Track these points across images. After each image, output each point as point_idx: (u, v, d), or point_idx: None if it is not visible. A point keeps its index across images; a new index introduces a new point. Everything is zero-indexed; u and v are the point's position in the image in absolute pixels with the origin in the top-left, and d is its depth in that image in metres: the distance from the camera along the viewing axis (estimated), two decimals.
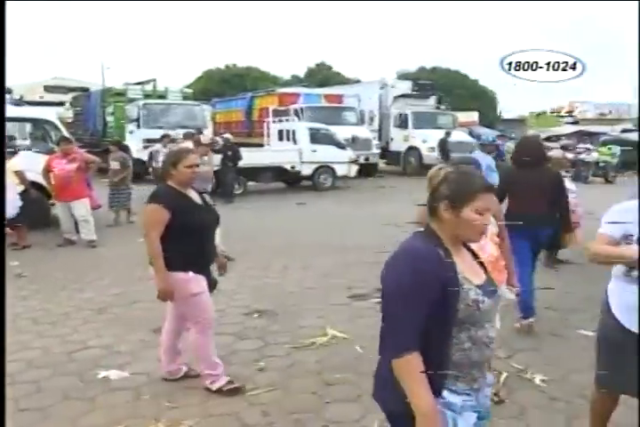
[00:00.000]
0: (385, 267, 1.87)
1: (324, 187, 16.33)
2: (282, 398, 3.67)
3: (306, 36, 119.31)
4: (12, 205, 7.76)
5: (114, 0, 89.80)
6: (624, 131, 27.14)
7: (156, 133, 15.21)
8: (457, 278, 1.78)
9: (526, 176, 4.71)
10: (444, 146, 18.84)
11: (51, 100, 26.40)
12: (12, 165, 8.04)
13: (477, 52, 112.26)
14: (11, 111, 9.59)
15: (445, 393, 1.82)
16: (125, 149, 11.96)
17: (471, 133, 24.75)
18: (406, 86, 23.10)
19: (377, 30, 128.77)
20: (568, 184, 7.13)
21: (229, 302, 5.63)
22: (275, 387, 3.82)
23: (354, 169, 16.87)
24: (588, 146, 20.99)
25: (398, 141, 21.82)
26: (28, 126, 11.40)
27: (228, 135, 15.05)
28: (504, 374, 3.92)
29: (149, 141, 15.69)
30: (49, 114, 11.44)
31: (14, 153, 8.87)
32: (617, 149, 20.11)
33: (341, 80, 40.32)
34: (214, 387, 3.70)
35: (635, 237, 2.52)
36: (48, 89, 29.61)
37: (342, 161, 16.46)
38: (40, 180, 8.69)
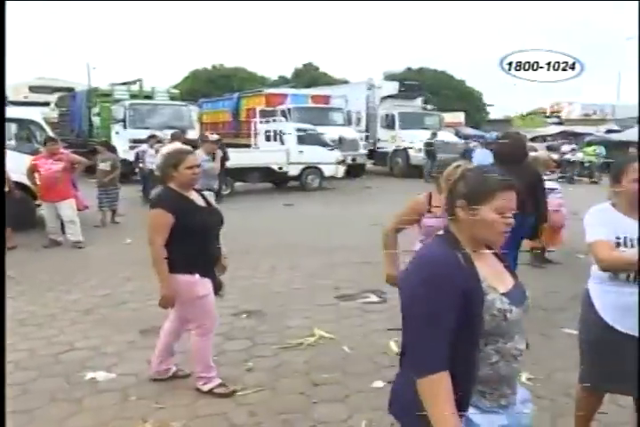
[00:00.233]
0: (401, 276, 1.77)
1: (311, 187, 16.34)
2: (270, 399, 3.68)
3: (293, 37, 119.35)
4: None
5: (100, 0, 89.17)
6: (608, 131, 27.40)
7: (143, 134, 15.16)
8: (479, 286, 1.65)
9: (509, 173, 4.78)
10: (430, 147, 18.92)
11: (36, 101, 26.16)
12: None
13: (464, 52, 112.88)
14: None
15: (470, 412, 1.69)
16: (113, 149, 11.90)
17: (457, 134, 24.93)
18: (393, 87, 23.16)
19: (364, 31, 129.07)
20: (553, 184, 7.23)
21: (218, 303, 5.52)
22: (263, 387, 3.83)
23: (341, 170, 16.89)
24: (573, 146, 21.19)
25: (385, 142, 21.90)
26: (13, 127, 11.28)
27: (215, 136, 15.03)
28: None
29: (136, 142, 15.62)
30: (34, 114, 11.34)
31: None
32: (602, 150, 20.33)
33: (328, 81, 40.38)
34: (206, 388, 3.70)
35: (634, 241, 2.55)
36: (33, 89, 29.33)
37: (330, 162, 16.48)
38: (25, 180, 8.64)
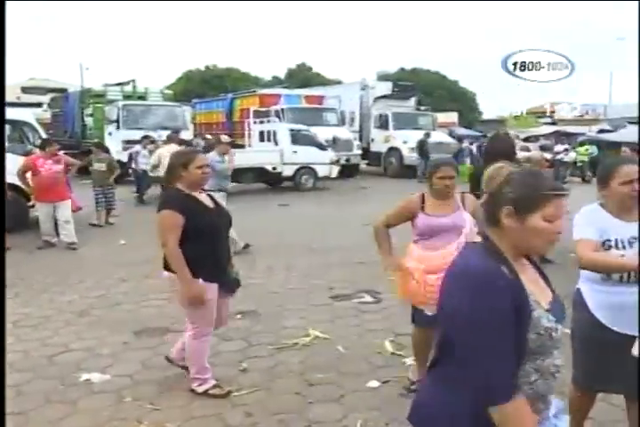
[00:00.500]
0: (445, 292, 1.62)
1: (305, 188, 16.36)
2: (265, 399, 3.69)
3: (286, 37, 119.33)
4: None
5: (92, 0, 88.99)
6: (601, 131, 27.52)
7: (136, 135, 15.16)
8: (528, 302, 1.52)
9: None
10: (423, 147, 18.95)
11: (28, 102, 26.06)
12: None
13: (457, 52, 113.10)
14: None
15: None
16: (107, 150, 11.91)
17: (451, 134, 24.99)
18: (387, 87, 23.21)
19: (357, 31, 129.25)
20: None
21: None
22: (258, 388, 3.83)
23: (335, 170, 16.91)
24: (566, 146, 21.27)
25: (379, 142, 21.91)
26: (6, 128, 11.23)
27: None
28: None
29: (129, 143, 15.61)
30: (26, 115, 11.31)
31: None
32: (594, 149, 20.43)
33: (322, 81, 40.48)
34: (201, 389, 3.70)
35: (625, 242, 2.56)
36: (25, 90, 29.23)
37: (323, 162, 16.51)
38: (17, 181, 8.61)
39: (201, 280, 3.47)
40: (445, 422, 1.62)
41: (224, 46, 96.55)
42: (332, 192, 16.25)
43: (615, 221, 2.62)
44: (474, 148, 21.73)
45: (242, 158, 15.54)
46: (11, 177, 8.48)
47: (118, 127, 17.58)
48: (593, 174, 19.22)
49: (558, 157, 19.68)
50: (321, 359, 4.30)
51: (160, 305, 5.60)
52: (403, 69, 45.60)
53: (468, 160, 20.05)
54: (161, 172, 9.63)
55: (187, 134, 16.31)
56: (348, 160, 19.11)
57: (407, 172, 19.80)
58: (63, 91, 26.17)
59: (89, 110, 20.22)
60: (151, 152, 12.06)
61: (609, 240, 2.58)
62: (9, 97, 25.73)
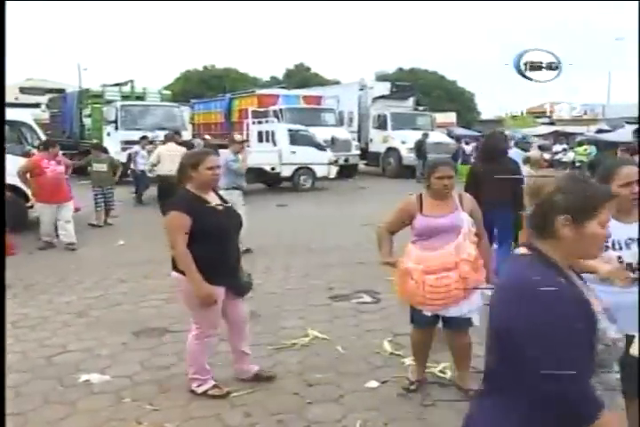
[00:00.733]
0: (501, 307, 1.55)
1: (303, 188, 16.35)
2: (264, 399, 3.69)
3: (284, 37, 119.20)
4: None
5: (90, 0, 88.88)
6: (599, 131, 27.55)
7: (135, 135, 15.15)
8: (594, 313, 1.48)
9: (493, 169, 5.23)
10: (420, 147, 18.95)
11: (26, 102, 26.03)
12: None
13: (455, 52, 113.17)
14: None
15: None
16: (105, 151, 11.90)
17: (450, 134, 24.99)
18: (385, 88, 23.22)
19: (355, 31, 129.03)
20: None
21: None
22: (257, 388, 3.83)
23: (333, 170, 16.91)
24: (565, 146, 21.30)
25: (377, 142, 21.92)
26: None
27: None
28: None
29: (127, 143, 15.59)
30: (25, 116, 11.30)
31: None
32: (592, 149, 20.44)
33: (320, 81, 40.49)
34: (200, 390, 3.70)
35: (622, 243, 2.57)
36: (23, 90, 29.18)
37: (322, 162, 16.50)
38: (16, 182, 8.60)
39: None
40: None
41: (222, 47, 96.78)
42: (331, 192, 16.25)
43: (612, 222, 2.62)
44: (469, 147, 21.75)
45: None
46: (9, 178, 8.48)
47: (117, 128, 17.55)
48: (591, 175, 19.23)
49: (557, 157, 19.70)
50: (320, 360, 4.30)
51: (159, 305, 5.61)
52: (401, 69, 45.60)
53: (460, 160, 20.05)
54: (159, 170, 9.65)
55: (185, 135, 16.27)
56: (346, 160, 19.11)
57: (406, 172, 19.80)
58: (61, 91, 26.14)
59: (87, 111, 20.22)
60: (150, 152, 12.05)
61: (606, 241, 2.58)
62: (7, 97, 25.79)
